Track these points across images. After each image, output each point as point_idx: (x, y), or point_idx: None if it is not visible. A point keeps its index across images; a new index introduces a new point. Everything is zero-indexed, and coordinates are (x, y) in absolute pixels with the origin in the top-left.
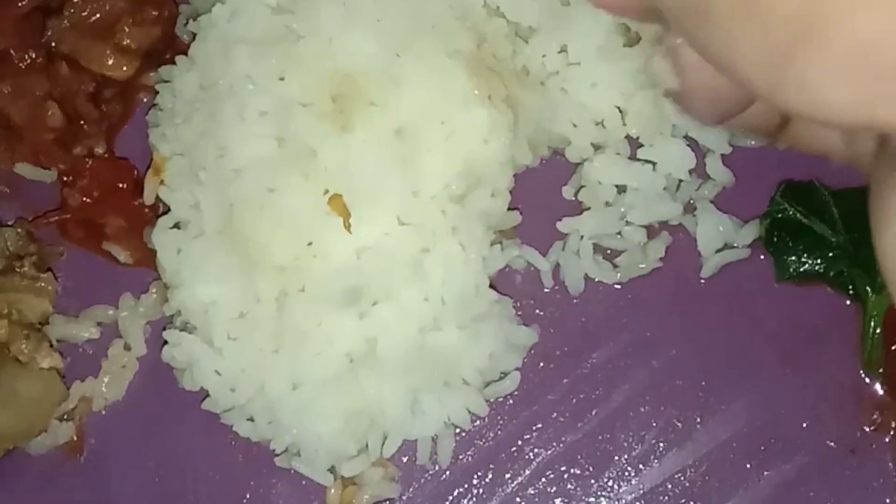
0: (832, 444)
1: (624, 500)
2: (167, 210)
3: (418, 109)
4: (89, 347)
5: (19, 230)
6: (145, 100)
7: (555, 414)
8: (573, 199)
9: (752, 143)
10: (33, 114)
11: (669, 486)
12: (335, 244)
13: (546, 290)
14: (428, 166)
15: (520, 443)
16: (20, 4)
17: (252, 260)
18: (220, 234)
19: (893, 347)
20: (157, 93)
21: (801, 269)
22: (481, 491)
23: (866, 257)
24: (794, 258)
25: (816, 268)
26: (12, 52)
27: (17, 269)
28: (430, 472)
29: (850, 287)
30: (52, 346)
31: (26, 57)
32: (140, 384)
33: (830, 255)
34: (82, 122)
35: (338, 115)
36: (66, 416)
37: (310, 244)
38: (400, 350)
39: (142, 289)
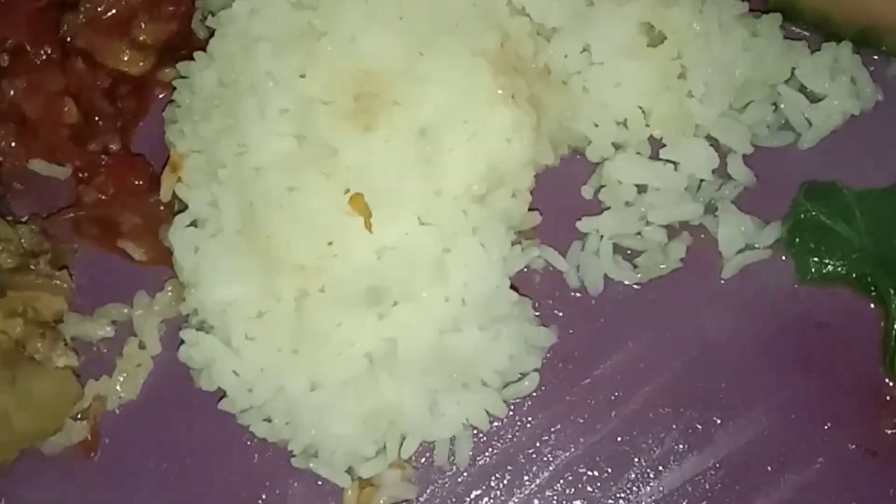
0: (853, 446)
1: (643, 503)
2: (183, 208)
3: (441, 109)
4: (103, 346)
5: (33, 227)
6: (161, 96)
7: (573, 415)
8: (592, 198)
9: (775, 143)
10: (49, 109)
11: (689, 489)
12: (356, 244)
13: (572, 291)
14: (450, 166)
15: (538, 444)
16: None
17: (272, 259)
18: (239, 233)
19: None
20: (173, 89)
21: (823, 271)
22: (499, 493)
23: (890, 259)
24: (815, 259)
25: (839, 269)
26: (28, 47)
27: (33, 267)
28: (448, 474)
29: (873, 289)
30: (66, 344)
31: (42, 52)
32: (154, 383)
33: (853, 256)
34: (97, 119)
35: (360, 114)
36: (80, 416)
37: (330, 244)
38: (420, 351)
39: (157, 287)
